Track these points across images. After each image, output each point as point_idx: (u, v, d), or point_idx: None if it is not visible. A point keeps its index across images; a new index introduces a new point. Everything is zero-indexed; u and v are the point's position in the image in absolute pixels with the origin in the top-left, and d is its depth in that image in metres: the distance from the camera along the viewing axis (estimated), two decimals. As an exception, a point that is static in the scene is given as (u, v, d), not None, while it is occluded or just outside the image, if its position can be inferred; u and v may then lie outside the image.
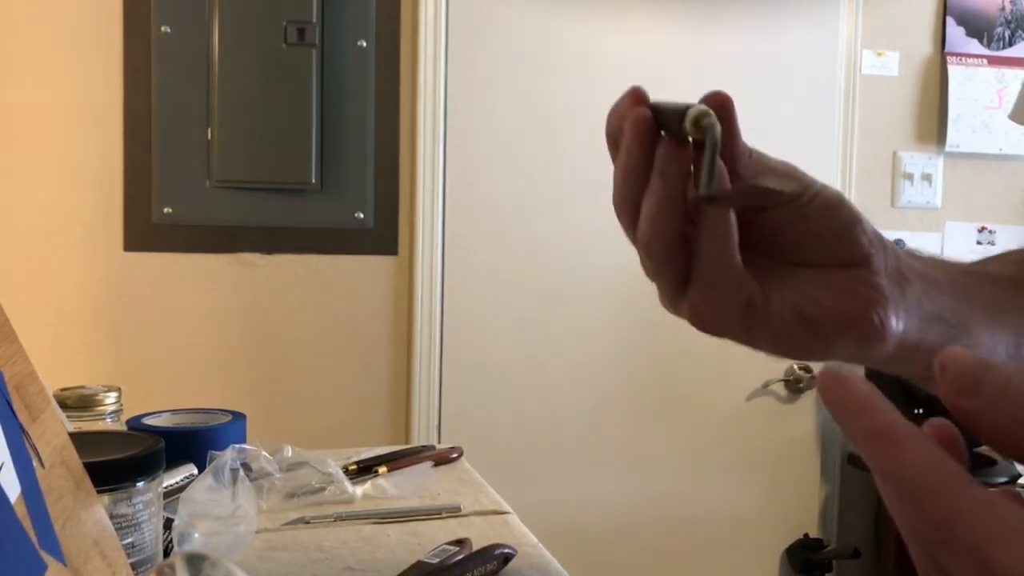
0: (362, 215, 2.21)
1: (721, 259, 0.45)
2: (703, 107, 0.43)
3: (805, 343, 0.47)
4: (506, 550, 0.85)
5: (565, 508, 2.33)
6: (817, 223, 0.46)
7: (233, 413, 1.13)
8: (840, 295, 0.46)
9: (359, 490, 1.07)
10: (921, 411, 1.87)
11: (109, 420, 0.97)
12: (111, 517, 0.66)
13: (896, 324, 0.46)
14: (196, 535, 0.80)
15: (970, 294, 0.51)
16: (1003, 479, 2.12)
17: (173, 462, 0.93)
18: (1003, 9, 2.52)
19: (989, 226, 2.56)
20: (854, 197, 2.47)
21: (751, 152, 0.47)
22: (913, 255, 0.50)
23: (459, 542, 0.87)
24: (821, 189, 0.47)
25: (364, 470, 1.16)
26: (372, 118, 2.20)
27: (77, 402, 0.95)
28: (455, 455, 1.28)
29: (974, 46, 2.51)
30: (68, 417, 0.94)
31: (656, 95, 0.47)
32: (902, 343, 0.47)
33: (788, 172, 0.48)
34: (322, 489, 1.06)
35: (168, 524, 0.80)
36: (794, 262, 0.47)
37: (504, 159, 2.29)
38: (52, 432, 0.59)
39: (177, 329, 2.14)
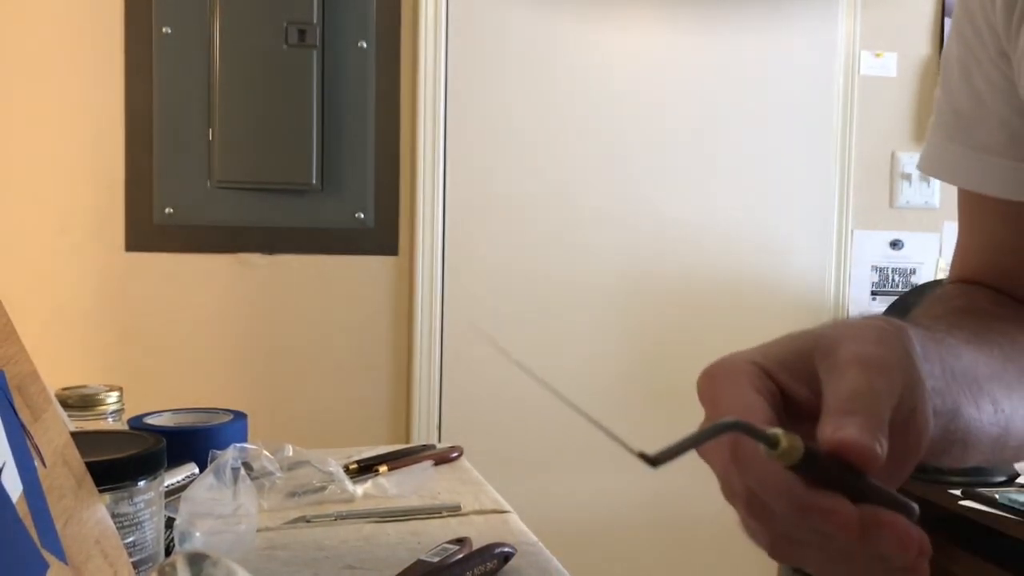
0: (362, 215, 2.21)
1: None
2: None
3: None
4: (506, 549, 0.86)
5: (565, 507, 2.34)
6: None
7: (234, 412, 1.13)
8: (898, 450, 0.45)
9: (360, 489, 1.07)
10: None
11: (111, 419, 0.97)
12: (112, 516, 0.66)
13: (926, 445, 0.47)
14: (197, 534, 0.81)
15: (954, 370, 0.51)
16: (1001, 478, 2.12)
17: (174, 461, 0.93)
18: (1002, 9, 2.52)
19: (988, 226, 2.55)
20: (853, 198, 2.48)
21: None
22: (920, 339, 0.49)
23: (459, 541, 0.87)
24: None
25: (365, 469, 1.16)
26: (372, 118, 2.20)
27: (79, 402, 0.95)
28: (455, 454, 1.28)
29: (973, 46, 2.51)
30: (70, 417, 0.94)
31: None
32: None
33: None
34: (323, 488, 1.06)
35: (169, 523, 0.81)
36: None
37: (504, 159, 2.29)
38: (54, 432, 0.60)
39: (178, 329, 2.15)
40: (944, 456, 0.52)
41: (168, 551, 0.80)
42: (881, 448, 0.40)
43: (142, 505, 0.70)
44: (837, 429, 0.41)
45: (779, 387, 0.46)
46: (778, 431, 0.40)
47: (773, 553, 0.44)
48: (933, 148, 0.74)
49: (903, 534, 0.39)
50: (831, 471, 0.40)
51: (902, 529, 0.40)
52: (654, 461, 0.40)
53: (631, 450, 0.41)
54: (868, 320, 0.47)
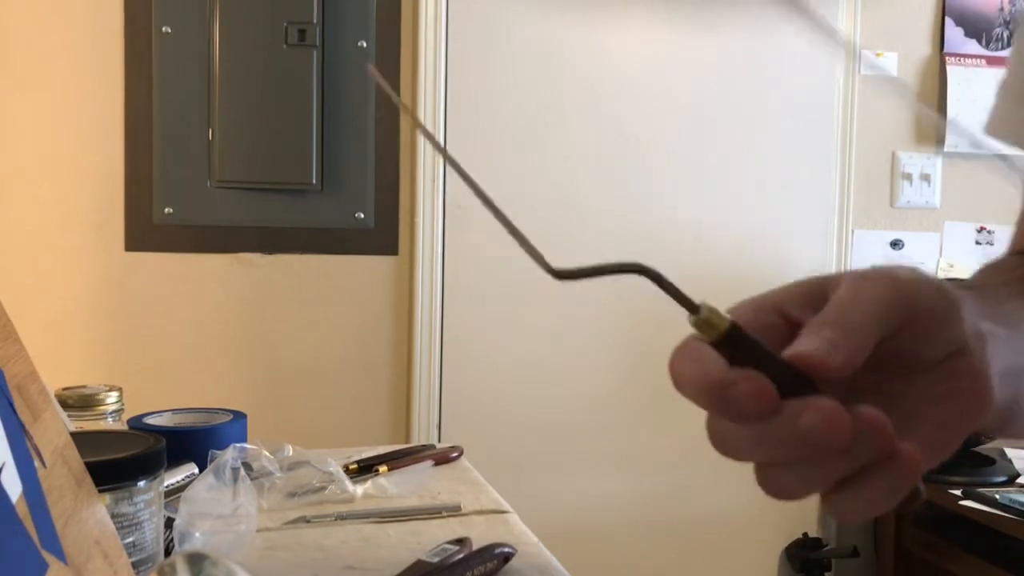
0: (362, 215, 2.21)
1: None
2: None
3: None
4: (506, 549, 0.86)
5: (565, 508, 2.34)
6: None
7: (234, 412, 1.13)
8: (952, 408, 0.41)
9: (359, 489, 1.07)
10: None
11: (110, 419, 0.97)
12: (112, 516, 0.66)
13: (992, 404, 0.42)
14: (197, 534, 0.81)
15: (1018, 336, 0.48)
16: (1002, 478, 2.12)
17: (174, 461, 0.93)
18: (1002, 10, 2.52)
19: (988, 226, 2.56)
20: (853, 198, 2.48)
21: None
22: (978, 298, 0.45)
23: (459, 541, 0.87)
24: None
25: (364, 469, 1.16)
26: (372, 118, 2.20)
27: (78, 402, 0.95)
28: (455, 454, 1.28)
29: (973, 46, 2.51)
30: (69, 417, 0.94)
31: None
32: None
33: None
34: (323, 488, 1.06)
35: (169, 523, 0.81)
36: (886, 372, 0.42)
37: (504, 159, 2.29)
38: (53, 432, 0.59)
39: (178, 329, 2.15)
40: (1009, 427, 0.48)
41: (168, 551, 0.80)
42: (835, 355, 0.37)
43: (142, 505, 0.70)
44: (798, 343, 0.38)
45: (790, 320, 0.42)
46: (704, 302, 0.37)
47: (763, 482, 0.40)
48: (1000, 111, 0.72)
49: (828, 411, 0.36)
50: (760, 354, 0.37)
51: (826, 407, 0.36)
52: (558, 274, 0.39)
53: (542, 263, 0.41)
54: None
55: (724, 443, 0.39)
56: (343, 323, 2.22)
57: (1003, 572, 1.95)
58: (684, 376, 0.39)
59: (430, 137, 0.44)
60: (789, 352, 0.38)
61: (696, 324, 0.38)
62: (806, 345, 0.38)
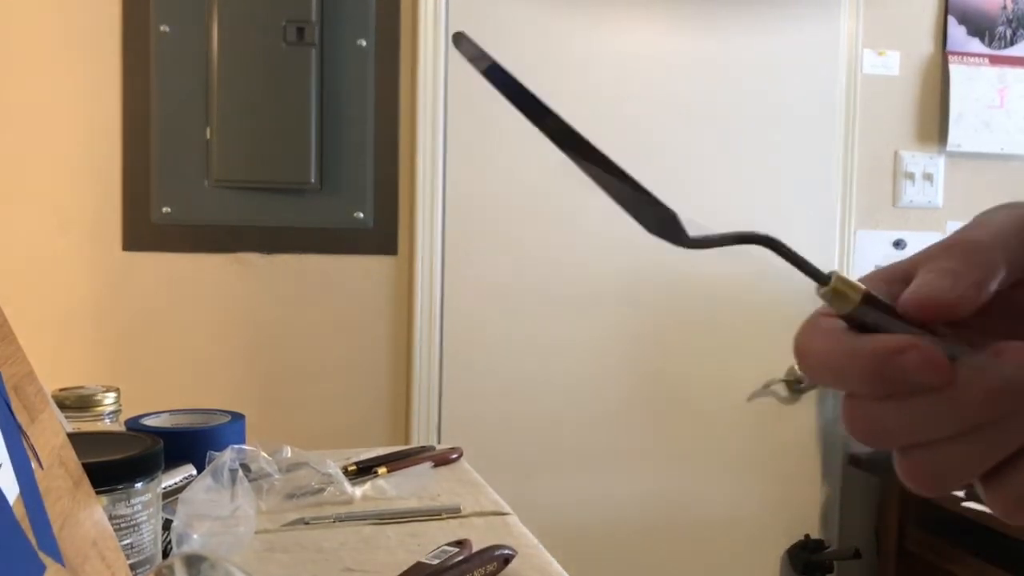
0: (361, 215, 2.20)
1: None
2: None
3: None
4: (506, 551, 0.85)
5: (565, 509, 2.33)
6: None
7: (232, 413, 1.12)
8: None
9: (359, 491, 1.07)
10: None
11: (108, 420, 0.96)
12: (110, 518, 0.66)
13: None
14: (195, 536, 0.80)
15: None
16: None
17: (172, 463, 0.93)
18: (1004, 8, 2.52)
19: (990, 226, 2.55)
20: (855, 197, 2.47)
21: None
22: None
23: (459, 543, 0.87)
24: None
25: (364, 471, 1.16)
26: (372, 118, 2.20)
27: (76, 402, 0.95)
28: (455, 456, 1.28)
29: (975, 45, 2.51)
30: (67, 417, 0.93)
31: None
32: None
33: None
34: (321, 490, 1.06)
35: (167, 525, 0.80)
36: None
37: (504, 159, 2.29)
38: (51, 433, 0.59)
39: (176, 329, 2.14)
40: None
41: (166, 553, 0.80)
42: (957, 284, 0.31)
43: (139, 507, 0.70)
44: (911, 286, 0.33)
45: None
46: (834, 271, 0.33)
47: (914, 469, 0.33)
48: None
49: (1019, 347, 0.30)
50: (898, 325, 0.32)
51: (1016, 345, 0.30)
52: (689, 243, 0.37)
53: (672, 228, 0.38)
54: None
55: (873, 427, 0.33)
56: (342, 323, 2.21)
57: (1004, 574, 1.94)
58: (823, 354, 0.33)
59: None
60: (902, 300, 0.32)
61: (825, 296, 0.34)
62: (917, 283, 0.32)
